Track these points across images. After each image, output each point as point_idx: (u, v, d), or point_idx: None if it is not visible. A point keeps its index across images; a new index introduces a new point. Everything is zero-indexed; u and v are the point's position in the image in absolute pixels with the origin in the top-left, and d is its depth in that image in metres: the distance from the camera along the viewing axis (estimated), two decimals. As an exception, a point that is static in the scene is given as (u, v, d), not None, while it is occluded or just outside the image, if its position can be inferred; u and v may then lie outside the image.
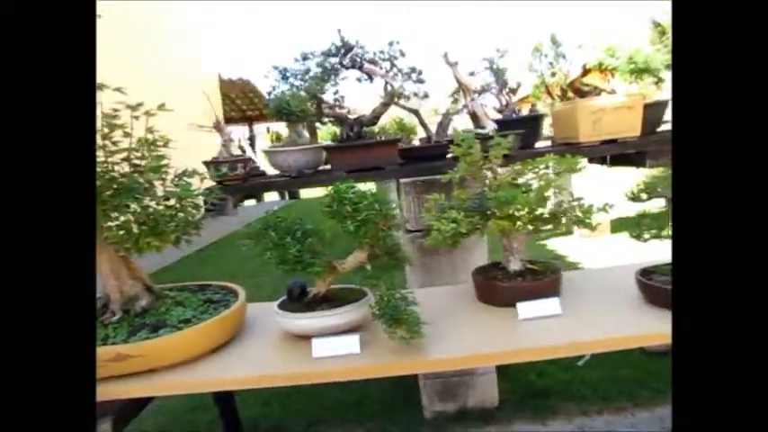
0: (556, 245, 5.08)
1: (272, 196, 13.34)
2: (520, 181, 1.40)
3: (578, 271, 1.66)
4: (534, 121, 2.40)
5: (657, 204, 1.41)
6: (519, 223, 1.29)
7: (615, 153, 2.17)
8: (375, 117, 2.12)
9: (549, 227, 1.37)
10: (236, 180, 2.15)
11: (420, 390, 2.27)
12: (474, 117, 2.16)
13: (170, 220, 1.20)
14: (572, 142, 2.17)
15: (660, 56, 2.07)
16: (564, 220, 1.34)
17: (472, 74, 2.23)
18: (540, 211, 1.34)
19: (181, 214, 1.24)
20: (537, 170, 1.35)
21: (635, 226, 1.23)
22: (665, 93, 2.65)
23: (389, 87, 2.05)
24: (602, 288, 1.44)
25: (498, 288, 1.36)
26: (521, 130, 2.28)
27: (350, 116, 2.22)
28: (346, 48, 2.05)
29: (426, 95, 2.52)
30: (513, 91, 2.58)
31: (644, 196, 1.28)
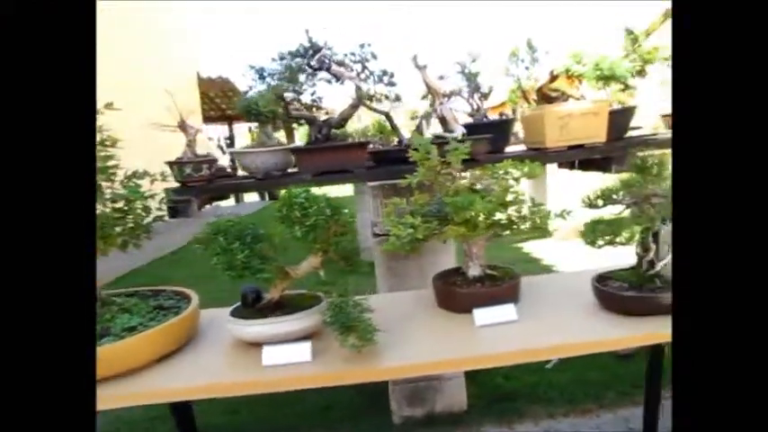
0: (532, 248, 5.12)
1: (252, 197, 13.21)
2: (480, 186, 1.40)
3: (540, 276, 1.66)
4: (504, 125, 2.41)
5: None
6: (477, 229, 1.28)
7: (582, 158, 2.18)
8: (343, 119, 2.10)
9: (507, 233, 1.36)
10: (200, 181, 2.11)
11: (389, 395, 2.26)
12: (443, 121, 2.15)
13: (116, 223, 1.16)
14: (540, 147, 2.18)
15: (629, 63, 2.09)
16: (523, 226, 1.33)
17: (442, 77, 2.22)
18: (498, 216, 1.33)
19: (129, 217, 1.20)
20: (496, 176, 1.34)
21: (589, 232, 1.23)
22: (635, 99, 2.70)
23: (358, 89, 2.03)
24: (562, 293, 1.44)
25: (456, 294, 1.35)
26: (491, 134, 2.29)
27: (324, 117, 2.20)
28: (314, 49, 2.02)
29: (398, 98, 2.51)
30: (485, 96, 2.58)
31: (600, 203, 1.28)
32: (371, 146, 2.62)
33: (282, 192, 1.13)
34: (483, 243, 1.41)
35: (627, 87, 2.44)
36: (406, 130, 2.87)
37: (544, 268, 4.38)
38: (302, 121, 2.10)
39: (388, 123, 3.22)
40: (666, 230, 1.21)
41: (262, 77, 2.28)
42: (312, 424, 2.30)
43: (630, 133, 2.54)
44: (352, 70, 2.24)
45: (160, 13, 7.87)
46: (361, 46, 2.38)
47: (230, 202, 12.29)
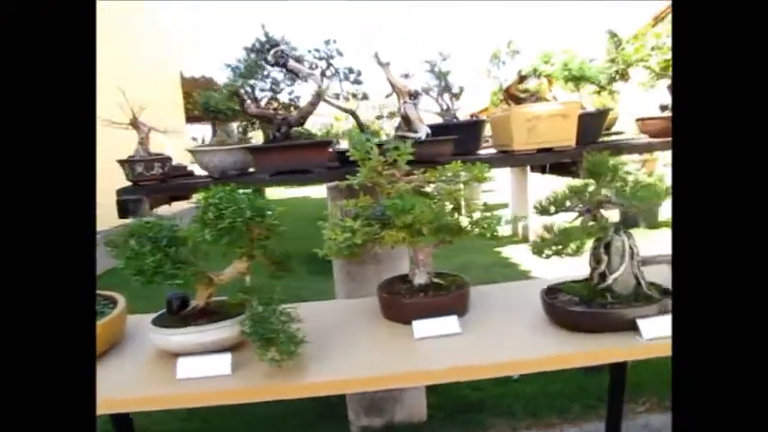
0: (511, 252, 5.06)
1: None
2: (430, 189, 1.32)
3: (494, 285, 1.59)
4: (474, 127, 2.34)
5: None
6: (420, 234, 1.20)
7: (551, 162, 2.12)
8: (302, 117, 2.01)
9: (452, 239, 1.28)
10: (152, 180, 2.01)
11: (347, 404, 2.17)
12: (406, 120, 2.07)
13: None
14: (508, 150, 2.11)
15: (601, 65, 2.03)
16: (473, 233, 1.25)
17: (407, 76, 2.14)
18: (445, 221, 1.25)
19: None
20: (443, 178, 1.27)
21: (538, 241, 1.16)
22: (618, 102, 2.63)
23: (319, 87, 1.94)
24: (515, 305, 1.36)
25: (399, 304, 1.27)
26: (460, 135, 2.21)
27: (283, 115, 2.10)
28: (271, 44, 1.93)
29: (365, 96, 2.43)
30: (456, 96, 2.51)
31: (552, 209, 1.21)
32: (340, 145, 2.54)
33: (201, 192, 1.04)
34: (430, 250, 1.33)
35: (602, 89, 2.38)
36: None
37: (522, 273, 4.31)
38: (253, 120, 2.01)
39: (367, 123, 3.15)
40: (621, 241, 1.14)
41: (240, 76, 2.19)
42: (271, 431, 2.20)
43: (613, 138, 2.49)
44: (316, 67, 2.16)
45: (146, 13, 7.78)
46: (326, 42, 2.30)
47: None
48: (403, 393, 2.16)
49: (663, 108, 2.24)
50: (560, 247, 1.12)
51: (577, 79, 2.00)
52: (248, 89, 2.02)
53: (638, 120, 2.27)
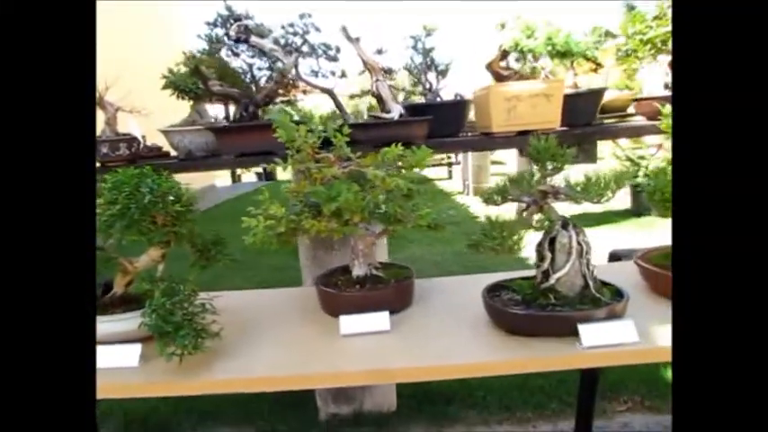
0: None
1: (250, 177, 13.10)
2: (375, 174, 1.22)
3: (453, 277, 1.50)
4: (457, 107, 2.20)
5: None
6: (350, 223, 1.11)
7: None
8: (267, 96, 1.92)
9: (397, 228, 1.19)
10: (118, 161, 1.96)
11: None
12: (379, 99, 1.96)
13: None
14: (487, 132, 1.98)
15: (590, 38, 1.86)
16: (410, 224, 1.16)
17: (380, 52, 2.02)
18: (383, 209, 1.16)
19: None
20: (382, 164, 1.17)
21: (478, 234, 1.06)
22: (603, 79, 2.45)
23: (281, 64, 1.84)
24: (463, 301, 1.26)
25: (330, 297, 1.19)
26: (443, 115, 2.10)
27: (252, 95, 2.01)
28: (234, 18, 1.83)
29: (343, 74, 2.32)
30: (443, 73, 2.37)
31: (498, 199, 1.10)
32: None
33: (106, 176, 0.97)
34: (372, 240, 1.25)
35: (599, 66, 2.21)
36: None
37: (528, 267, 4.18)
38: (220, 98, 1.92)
39: (354, 102, 3.03)
40: (568, 237, 1.03)
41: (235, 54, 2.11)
42: (236, 415, 2.19)
43: (611, 121, 2.32)
44: (286, 44, 2.06)
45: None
46: (301, 17, 2.19)
47: (227, 181, 12.21)
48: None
49: (666, 86, 2.06)
50: (497, 242, 1.02)
51: (563, 55, 1.85)
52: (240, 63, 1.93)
53: (637, 99, 2.10)
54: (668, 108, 1.15)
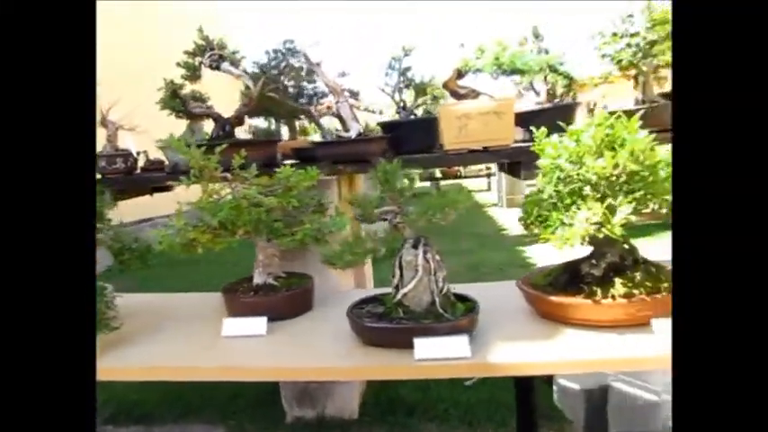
0: (535, 251, 4.76)
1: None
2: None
3: (363, 290, 1.57)
4: (423, 124, 2.26)
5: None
6: (240, 235, 1.24)
7: (484, 163, 2.00)
8: (237, 118, 2.10)
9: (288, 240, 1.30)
10: (115, 173, 2.24)
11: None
12: (340, 119, 2.08)
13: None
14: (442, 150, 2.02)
15: (536, 55, 1.86)
16: (297, 236, 1.26)
17: (343, 74, 2.14)
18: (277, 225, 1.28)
19: None
20: (277, 183, 1.29)
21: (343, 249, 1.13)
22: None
23: (252, 88, 2.02)
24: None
25: (226, 301, 1.32)
26: (412, 132, 2.19)
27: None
28: (210, 46, 2.04)
29: (324, 95, 2.47)
30: (423, 91, 2.45)
31: (372, 217, 1.17)
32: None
33: None
34: (272, 251, 1.36)
35: (571, 81, 2.18)
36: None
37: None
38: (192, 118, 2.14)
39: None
40: (413, 255, 1.09)
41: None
42: (213, 412, 2.37)
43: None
44: (272, 68, 2.25)
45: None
46: (284, 42, 2.38)
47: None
48: (335, 386, 2.20)
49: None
50: (351, 257, 1.10)
51: (512, 72, 1.86)
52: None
53: (591, 109, 2.04)
54: (543, 130, 1.17)
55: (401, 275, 1.09)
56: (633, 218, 0.96)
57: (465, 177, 9.63)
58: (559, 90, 2.21)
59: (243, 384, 2.49)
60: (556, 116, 2.07)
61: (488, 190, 10.41)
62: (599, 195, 1.01)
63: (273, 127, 3.06)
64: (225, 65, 2.03)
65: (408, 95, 2.43)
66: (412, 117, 2.34)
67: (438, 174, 6.99)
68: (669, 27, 1.75)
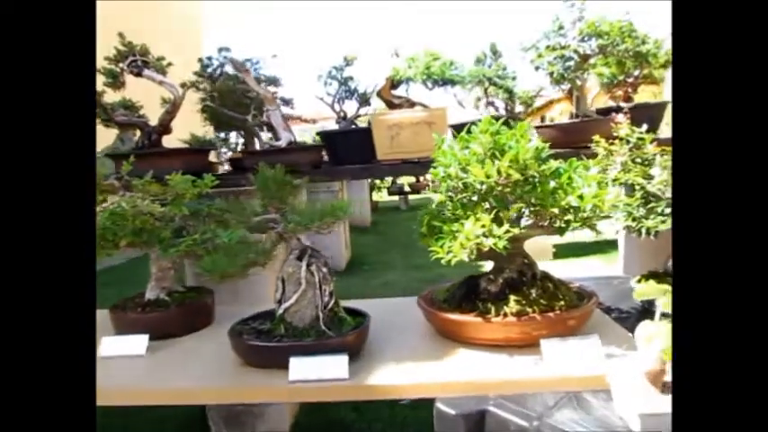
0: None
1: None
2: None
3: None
4: (363, 133, 2.21)
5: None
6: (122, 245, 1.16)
7: (419, 174, 1.95)
8: (162, 125, 2.02)
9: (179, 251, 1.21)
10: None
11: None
12: (270, 128, 2.01)
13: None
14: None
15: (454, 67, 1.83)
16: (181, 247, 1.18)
17: (275, 82, 2.08)
18: (164, 234, 1.19)
19: None
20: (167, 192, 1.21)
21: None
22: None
23: (174, 95, 1.94)
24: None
25: (112, 317, 1.23)
26: (350, 142, 2.13)
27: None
28: (131, 52, 1.96)
29: (289, 102, 2.43)
30: (366, 100, 2.40)
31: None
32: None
33: None
34: (167, 265, 1.28)
35: (511, 94, 2.15)
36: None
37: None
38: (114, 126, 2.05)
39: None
40: (296, 266, 1.01)
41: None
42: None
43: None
44: (220, 75, 2.19)
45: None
46: (219, 50, 2.32)
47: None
48: (265, 409, 2.09)
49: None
50: (229, 269, 1.02)
51: (443, 83, 1.82)
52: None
53: (538, 127, 2.01)
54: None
55: (283, 289, 1.02)
56: (516, 230, 0.91)
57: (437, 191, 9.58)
58: (518, 107, 2.20)
59: (172, 408, 2.36)
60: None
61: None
62: (487, 206, 0.96)
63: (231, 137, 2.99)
64: (147, 71, 1.95)
65: (350, 106, 2.39)
66: (353, 127, 2.30)
67: (407, 188, 6.92)
68: (600, 41, 1.73)
